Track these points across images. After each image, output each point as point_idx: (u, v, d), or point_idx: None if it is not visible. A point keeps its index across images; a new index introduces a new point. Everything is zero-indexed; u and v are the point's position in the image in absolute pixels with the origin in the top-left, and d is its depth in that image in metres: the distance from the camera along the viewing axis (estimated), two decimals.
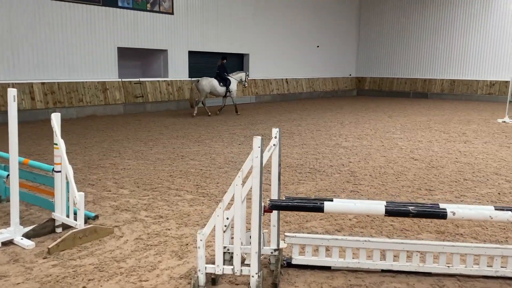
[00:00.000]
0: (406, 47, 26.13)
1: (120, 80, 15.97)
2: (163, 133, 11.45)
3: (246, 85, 16.60)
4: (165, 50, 17.65)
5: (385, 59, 26.96)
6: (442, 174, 7.35)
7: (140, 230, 4.72)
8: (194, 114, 14.96)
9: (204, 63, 19.61)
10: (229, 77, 15.54)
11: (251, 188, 3.23)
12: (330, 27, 25.77)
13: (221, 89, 15.26)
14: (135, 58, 18.06)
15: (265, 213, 3.30)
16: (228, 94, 15.49)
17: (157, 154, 8.71)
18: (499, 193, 6.23)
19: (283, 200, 3.34)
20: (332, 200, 3.59)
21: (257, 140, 3.13)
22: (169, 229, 4.74)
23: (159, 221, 4.98)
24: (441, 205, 3.55)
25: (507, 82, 22.72)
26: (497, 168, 7.79)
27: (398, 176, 7.17)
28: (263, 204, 3.26)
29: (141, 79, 16.86)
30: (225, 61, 15.66)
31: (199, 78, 15.41)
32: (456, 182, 6.84)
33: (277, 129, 3.63)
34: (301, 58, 23.91)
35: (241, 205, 3.31)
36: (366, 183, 6.71)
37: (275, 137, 3.61)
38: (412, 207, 3.17)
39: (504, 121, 14.35)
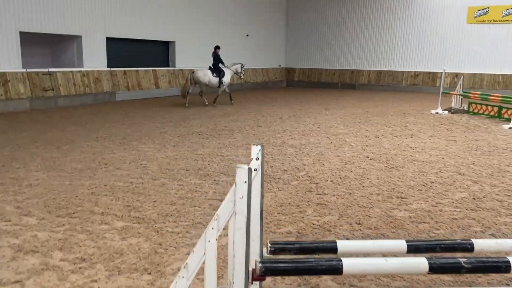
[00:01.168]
0: (335, 39, 26.05)
1: (24, 70, 13.68)
2: (80, 133, 9.73)
3: (243, 77, 16.45)
4: (79, 36, 15.55)
5: (314, 50, 26.69)
6: (405, 176, 6.69)
7: (52, 285, 3.35)
8: (187, 105, 14.78)
9: (125, 51, 17.72)
10: (224, 68, 15.38)
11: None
12: (259, 16, 24.88)
13: (215, 80, 15.14)
14: (43, 45, 15.74)
15: (253, 282, 2.17)
16: (221, 85, 15.30)
17: (74, 162, 7.14)
18: (474, 198, 5.65)
19: (280, 260, 2.23)
20: (335, 244, 2.56)
21: (242, 171, 2.00)
22: (96, 281, 3.43)
23: (80, 268, 3.63)
24: (476, 242, 2.68)
25: (429, 73, 23.52)
26: (456, 166, 7.33)
27: (361, 180, 6.38)
28: (250, 268, 2.13)
29: (51, 70, 14.66)
30: (218, 50, 15.40)
31: (194, 70, 15.27)
32: (424, 185, 6.19)
33: (260, 146, 2.51)
34: (230, 47, 22.72)
35: (215, 270, 2.15)
36: (330, 191, 5.81)
37: (257, 159, 2.49)
38: (464, 260, 2.23)
39: (437, 113, 14.43)
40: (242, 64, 16.00)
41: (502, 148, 8.92)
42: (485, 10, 21.76)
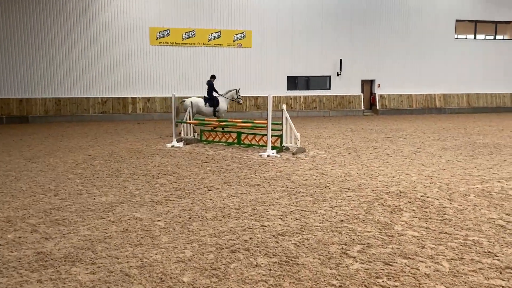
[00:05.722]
0: None
1: None
2: None
3: (241, 102, 15.56)
4: None
5: None
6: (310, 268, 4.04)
7: None
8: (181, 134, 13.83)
9: None
10: (218, 97, 14.77)
11: None
12: None
13: (207, 109, 14.72)
14: None
15: None
16: (216, 113, 14.80)
17: None
18: None
19: None
20: None
21: None
22: None
23: None
24: None
25: (119, 98, 20.96)
26: (334, 229, 5.25)
27: None
28: None
29: None
30: (213, 79, 14.91)
31: (186, 98, 15.56)
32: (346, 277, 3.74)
33: None
34: None
35: None
36: None
37: None
38: None
39: (173, 146, 12.15)
40: (237, 90, 15.17)
41: (313, 185, 7.54)
42: (166, 32, 21.13)
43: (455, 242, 4.91)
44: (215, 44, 21.69)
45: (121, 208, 6.26)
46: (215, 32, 21.62)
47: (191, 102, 13.14)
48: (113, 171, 8.86)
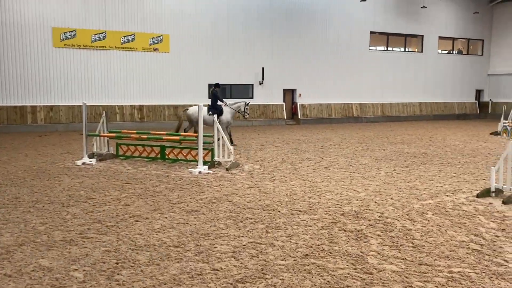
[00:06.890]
0: None
1: None
2: None
3: (247, 116, 14.36)
4: None
5: None
6: None
7: None
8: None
9: None
10: (224, 107, 13.77)
11: None
12: None
13: (209, 118, 13.13)
14: None
15: None
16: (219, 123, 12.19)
17: None
18: None
19: None
20: None
21: None
22: None
23: None
24: None
25: (15, 107, 18.27)
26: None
27: None
28: None
29: None
30: (217, 88, 13.84)
31: (189, 107, 14.05)
32: None
33: None
34: None
35: None
36: None
37: None
38: None
39: (85, 163, 10.44)
40: (245, 102, 14.16)
41: (259, 208, 6.58)
42: (73, 33, 18.89)
43: (442, 277, 4.25)
44: (129, 48, 19.90)
45: (22, 253, 4.75)
46: (129, 35, 19.85)
47: (104, 113, 11.43)
48: (9, 198, 7.11)
